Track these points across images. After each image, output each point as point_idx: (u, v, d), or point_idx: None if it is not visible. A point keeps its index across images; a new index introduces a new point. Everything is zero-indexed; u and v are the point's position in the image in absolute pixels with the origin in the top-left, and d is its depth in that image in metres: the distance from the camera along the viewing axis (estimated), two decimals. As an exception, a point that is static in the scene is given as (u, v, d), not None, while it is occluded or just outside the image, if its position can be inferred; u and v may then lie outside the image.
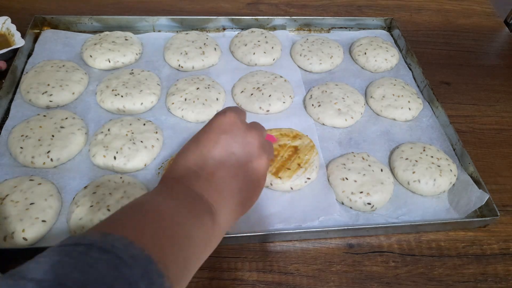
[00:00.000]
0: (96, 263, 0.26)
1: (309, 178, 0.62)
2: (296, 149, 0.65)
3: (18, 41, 0.76)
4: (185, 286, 0.34)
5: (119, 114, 0.70)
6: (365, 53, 0.84)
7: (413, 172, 0.63)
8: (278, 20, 0.90)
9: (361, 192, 0.60)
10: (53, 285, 0.24)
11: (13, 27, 0.78)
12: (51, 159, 0.61)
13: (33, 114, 0.66)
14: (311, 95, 0.75)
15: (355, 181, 0.61)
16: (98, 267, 0.26)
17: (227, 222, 0.40)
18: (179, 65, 0.78)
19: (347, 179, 0.62)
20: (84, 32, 0.84)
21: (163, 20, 0.86)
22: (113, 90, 0.70)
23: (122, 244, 0.28)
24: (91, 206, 0.54)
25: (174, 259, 0.31)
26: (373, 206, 0.60)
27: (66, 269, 0.25)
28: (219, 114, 0.42)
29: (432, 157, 0.65)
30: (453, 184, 0.64)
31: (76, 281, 0.25)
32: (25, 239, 0.52)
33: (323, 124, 0.72)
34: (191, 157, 0.40)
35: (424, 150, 0.66)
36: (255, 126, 0.44)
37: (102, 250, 0.27)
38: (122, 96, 0.70)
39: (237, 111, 0.43)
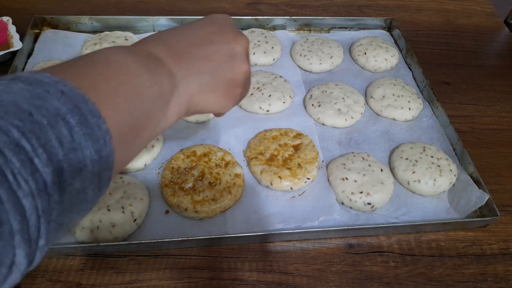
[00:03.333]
0: (16, 90, 0.23)
1: (309, 178, 0.62)
2: (296, 149, 0.65)
3: (16, 44, 0.76)
4: (132, 146, 0.30)
5: (119, 114, 0.70)
6: (365, 53, 0.84)
7: (413, 172, 0.63)
8: (278, 20, 0.90)
9: (361, 192, 0.60)
10: None
11: (13, 28, 0.78)
12: (51, 159, 0.60)
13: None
14: (311, 95, 0.75)
15: (355, 181, 0.61)
16: (18, 93, 0.23)
17: (193, 100, 0.37)
18: (179, 65, 0.78)
19: (347, 179, 0.62)
20: (84, 32, 0.84)
21: (163, 20, 0.86)
22: (113, 90, 0.70)
23: (52, 80, 0.24)
24: (91, 206, 0.54)
25: (116, 107, 0.28)
26: (373, 206, 0.60)
27: None
28: (214, 14, 0.42)
29: (432, 157, 0.65)
30: (453, 184, 0.64)
31: None
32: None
33: (323, 124, 0.72)
34: (170, 32, 0.37)
35: (424, 150, 0.66)
36: (244, 35, 0.43)
37: (27, 82, 0.24)
38: (122, 96, 0.69)
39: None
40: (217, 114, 0.48)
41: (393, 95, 0.75)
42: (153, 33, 0.39)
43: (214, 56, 0.38)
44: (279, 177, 0.61)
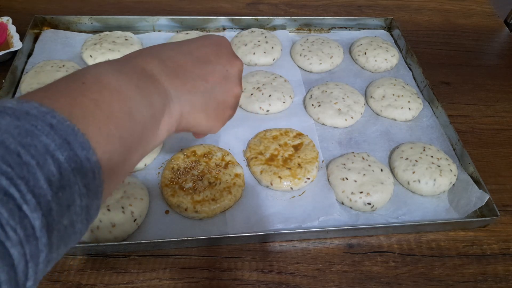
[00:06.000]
0: (3, 126, 0.22)
1: (309, 178, 0.62)
2: (296, 149, 0.65)
3: (16, 44, 0.76)
4: (122, 172, 0.30)
5: (119, 114, 0.70)
6: (365, 53, 0.84)
7: (413, 172, 0.63)
8: (278, 20, 0.90)
9: (361, 192, 0.60)
10: None
11: (13, 28, 0.78)
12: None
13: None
14: (311, 95, 0.75)
15: (355, 181, 0.61)
16: (5, 130, 0.22)
17: (183, 118, 0.36)
18: (179, 65, 0.78)
19: (347, 179, 0.62)
20: (84, 32, 0.84)
21: (163, 20, 0.86)
22: (113, 90, 0.70)
23: (40, 111, 0.24)
24: (91, 206, 0.54)
25: (107, 135, 0.27)
26: (373, 206, 0.60)
27: None
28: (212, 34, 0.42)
29: (432, 157, 0.65)
30: (453, 184, 0.64)
31: None
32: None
33: (323, 124, 0.72)
34: (166, 47, 0.36)
35: (424, 150, 0.66)
36: (239, 58, 0.43)
37: (14, 116, 0.23)
38: (122, 96, 0.69)
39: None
40: (199, 135, 0.48)
41: (393, 95, 0.75)
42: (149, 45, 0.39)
43: (208, 76, 0.38)
44: (279, 177, 0.61)
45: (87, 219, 0.26)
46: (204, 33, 0.85)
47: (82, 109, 0.26)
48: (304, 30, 0.92)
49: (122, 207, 0.54)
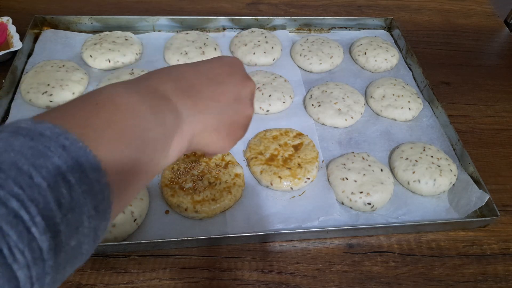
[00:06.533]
0: (16, 146, 0.22)
1: (309, 178, 0.62)
2: (296, 149, 0.65)
3: (16, 44, 0.76)
4: (130, 192, 0.30)
5: (119, 114, 0.70)
6: (365, 53, 0.84)
7: (413, 172, 0.63)
8: (278, 20, 0.90)
9: (361, 192, 0.60)
10: None
11: (13, 28, 0.78)
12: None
13: (33, 114, 0.66)
14: (311, 95, 0.75)
15: (355, 181, 0.61)
16: (18, 151, 0.22)
17: (195, 139, 0.36)
18: (179, 65, 0.78)
19: (347, 179, 0.62)
20: (84, 32, 0.84)
21: (163, 20, 0.86)
22: (113, 90, 0.70)
23: (54, 133, 0.24)
24: (91, 206, 0.54)
25: (119, 155, 0.27)
26: (373, 206, 0.60)
27: None
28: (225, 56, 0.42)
29: (432, 157, 0.65)
30: (453, 184, 0.64)
31: None
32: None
33: (323, 124, 0.72)
34: (179, 68, 0.37)
35: (424, 150, 0.66)
36: (252, 79, 0.44)
37: (28, 136, 0.23)
38: (122, 96, 0.69)
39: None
40: (209, 155, 0.48)
41: (393, 95, 0.75)
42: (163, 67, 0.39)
43: (221, 97, 0.38)
44: (279, 177, 0.61)
45: (94, 240, 0.26)
46: (204, 33, 0.85)
47: (94, 130, 0.26)
48: (304, 30, 0.92)
49: (122, 207, 0.54)
